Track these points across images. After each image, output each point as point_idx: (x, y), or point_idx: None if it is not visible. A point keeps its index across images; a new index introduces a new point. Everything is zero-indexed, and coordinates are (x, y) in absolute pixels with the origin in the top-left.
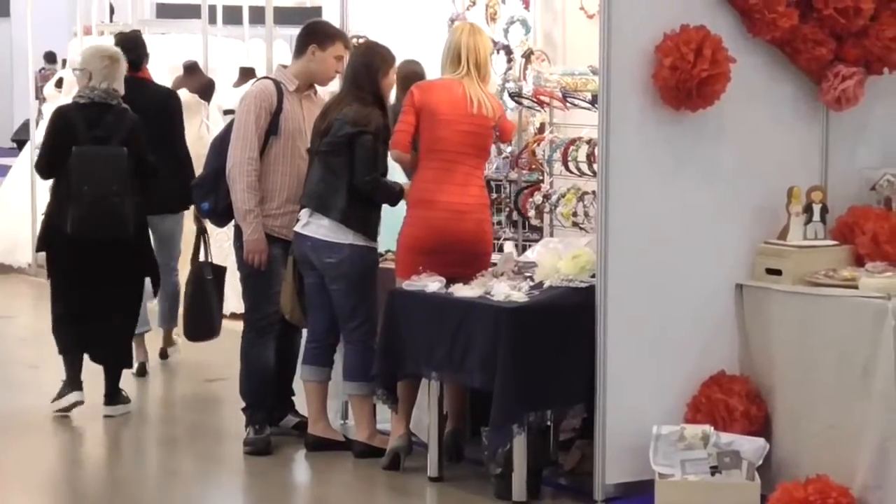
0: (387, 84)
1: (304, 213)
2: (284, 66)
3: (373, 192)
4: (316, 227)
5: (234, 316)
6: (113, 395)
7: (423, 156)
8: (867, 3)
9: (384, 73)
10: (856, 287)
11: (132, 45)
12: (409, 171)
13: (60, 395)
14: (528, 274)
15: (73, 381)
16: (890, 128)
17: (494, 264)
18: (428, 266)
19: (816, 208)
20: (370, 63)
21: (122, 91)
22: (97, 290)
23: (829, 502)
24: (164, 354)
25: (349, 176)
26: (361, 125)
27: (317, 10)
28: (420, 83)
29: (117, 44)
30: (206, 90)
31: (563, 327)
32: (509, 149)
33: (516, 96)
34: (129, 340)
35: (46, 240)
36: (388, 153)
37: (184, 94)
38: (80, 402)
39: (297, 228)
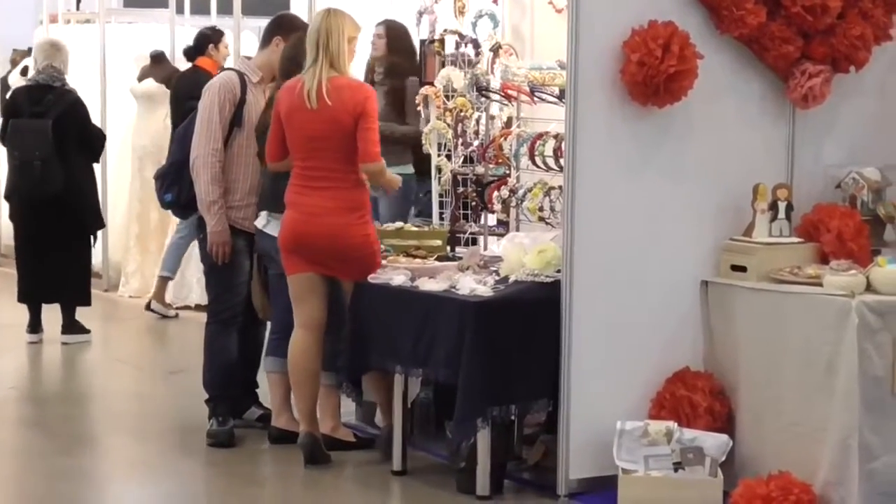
0: None
1: (263, 214)
2: (248, 58)
3: None
4: (275, 225)
5: (197, 307)
6: (69, 325)
7: (290, 158)
8: (834, 2)
9: None
10: (820, 285)
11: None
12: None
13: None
14: (493, 268)
15: (34, 326)
16: (856, 126)
17: (451, 258)
18: (297, 263)
19: (782, 205)
20: (295, 56)
21: (66, 73)
22: (42, 242)
23: (791, 499)
24: (148, 306)
25: None
26: None
27: (285, 2)
28: (285, 83)
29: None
30: (172, 80)
31: (528, 322)
32: (476, 143)
33: (484, 90)
34: (82, 282)
35: (8, 201)
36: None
37: (150, 84)
38: (39, 342)
39: (259, 226)
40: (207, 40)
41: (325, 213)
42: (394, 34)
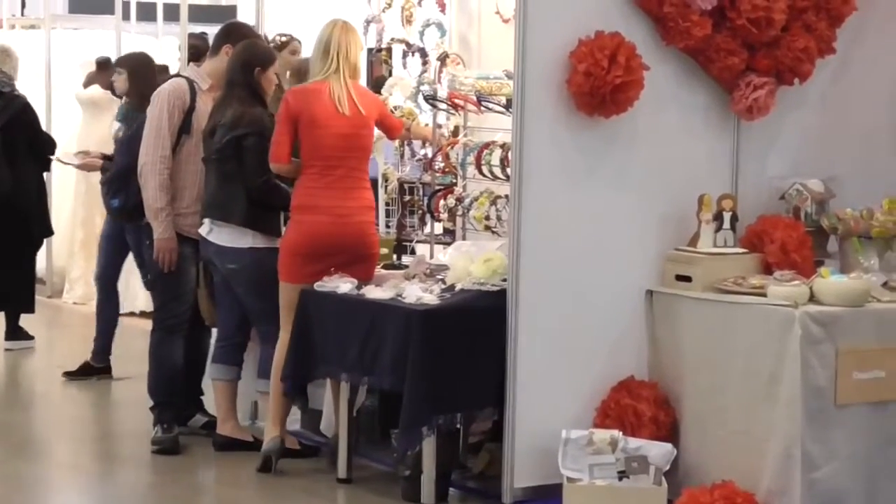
0: (266, 81)
1: (207, 221)
2: (197, 65)
3: (266, 196)
4: (217, 233)
5: (143, 314)
6: (12, 332)
7: (305, 161)
8: (779, 14)
9: (263, 71)
10: (764, 295)
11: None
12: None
13: None
14: (439, 276)
15: None
16: (800, 138)
17: (398, 266)
18: (312, 269)
19: (727, 216)
20: (247, 61)
21: (15, 79)
22: None
23: None
24: None
25: (242, 180)
26: (243, 127)
27: (231, 10)
28: (294, 88)
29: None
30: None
31: (473, 330)
32: (423, 151)
33: (431, 99)
34: (26, 289)
35: None
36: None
37: (95, 91)
38: None
39: (202, 233)
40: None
41: (356, 214)
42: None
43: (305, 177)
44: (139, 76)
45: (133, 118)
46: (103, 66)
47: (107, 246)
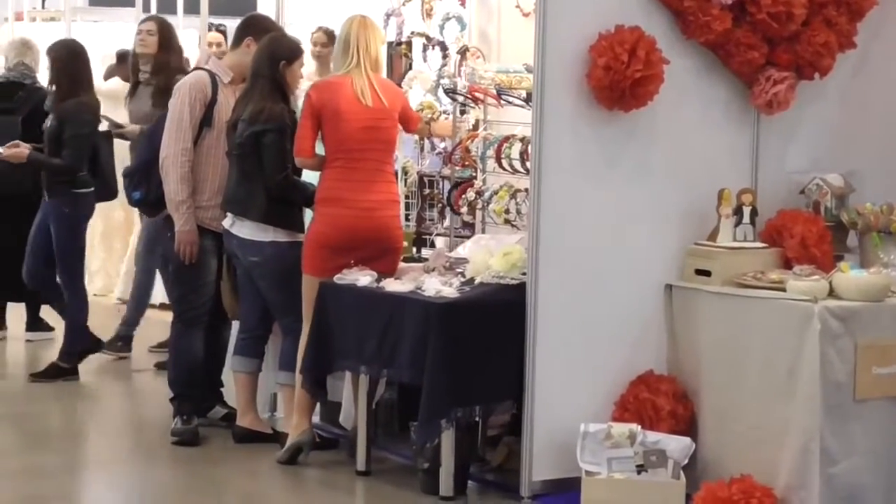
0: (291, 76)
1: (230, 215)
2: (220, 58)
3: (286, 193)
4: (239, 226)
5: (162, 306)
6: (33, 323)
7: (329, 155)
8: (799, 9)
9: (288, 65)
10: (783, 290)
11: None
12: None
13: None
14: (459, 270)
15: None
16: (819, 132)
17: (417, 259)
18: (336, 262)
19: (746, 210)
20: (273, 54)
21: (37, 72)
22: (8, 241)
23: (753, 502)
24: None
25: (262, 176)
26: (262, 123)
27: (252, 2)
28: (317, 83)
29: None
30: None
31: (493, 324)
32: (443, 144)
33: (451, 92)
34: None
35: None
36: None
37: (115, 84)
38: (3, 339)
39: (225, 226)
40: None
41: (380, 208)
42: (166, 31)
43: (330, 170)
44: (64, 64)
45: (54, 109)
46: (123, 58)
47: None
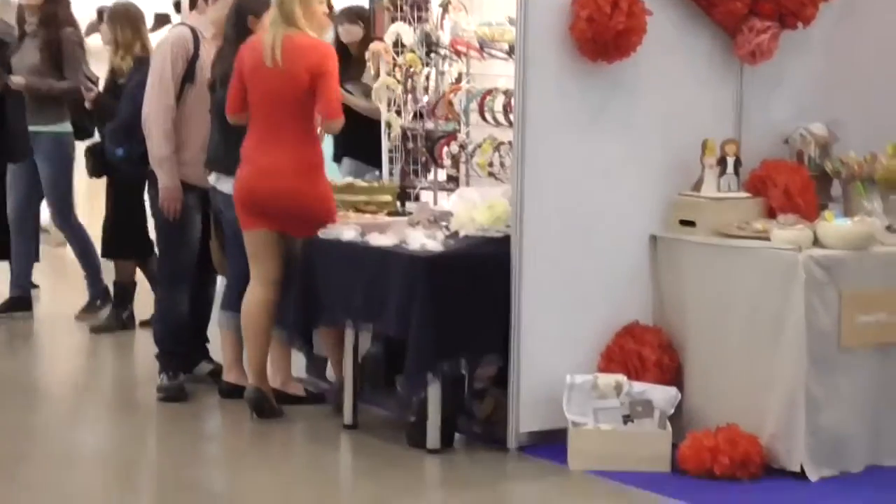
0: (261, 28)
1: (213, 173)
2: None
3: None
4: (225, 182)
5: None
6: None
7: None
8: None
9: (256, 19)
10: (768, 239)
11: None
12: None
13: None
14: (443, 223)
15: None
16: (803, 82)
17: (401, 213)
18: (252, 220)
19: (730, 161)
20: (240, 9)
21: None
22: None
23: (738, 451)
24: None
25: (239, 133)
26: None
27: None
28: (248, 40)
29: None
30: None
31: (478, 277)
32: (425, 98)
33: (434, 46)
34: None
35: None
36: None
37: (96, 41)
38: None
39: (211, 182)
40: None
41: (282, 175)
42: None
43: (249, 128)
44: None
45: None
46: (104, 15)
47: None
